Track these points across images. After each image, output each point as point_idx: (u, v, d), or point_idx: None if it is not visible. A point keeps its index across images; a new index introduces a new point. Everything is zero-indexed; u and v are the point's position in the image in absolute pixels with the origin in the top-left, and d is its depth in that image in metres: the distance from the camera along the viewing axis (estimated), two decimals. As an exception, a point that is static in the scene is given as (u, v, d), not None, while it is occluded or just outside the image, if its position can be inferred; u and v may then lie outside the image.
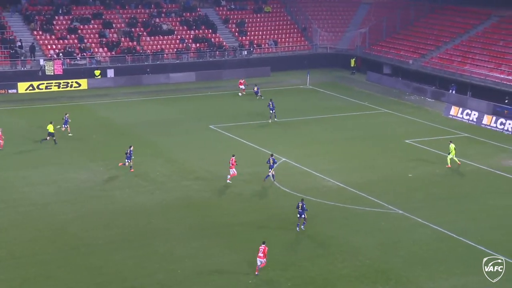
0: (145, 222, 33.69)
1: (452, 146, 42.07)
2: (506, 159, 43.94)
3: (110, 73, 67.72)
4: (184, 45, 72.33)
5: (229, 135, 49.15)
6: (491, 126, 52.11)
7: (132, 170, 40.04)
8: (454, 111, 55.68)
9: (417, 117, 55.54)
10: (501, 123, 51.57)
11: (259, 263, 27.98)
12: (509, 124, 50.56)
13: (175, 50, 71.68)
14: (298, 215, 32.47)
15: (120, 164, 40.30)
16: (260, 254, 28.03)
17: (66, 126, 48.09)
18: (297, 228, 32.45)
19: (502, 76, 58.54)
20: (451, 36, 68.70)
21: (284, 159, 43.64)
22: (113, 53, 69.01)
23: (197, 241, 31.35)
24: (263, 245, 28.12)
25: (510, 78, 57.85)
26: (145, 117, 54.79)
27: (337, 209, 35.46)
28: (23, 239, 31.50)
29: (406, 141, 48.31)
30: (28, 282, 27.53)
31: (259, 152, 45.15)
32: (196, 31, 74.72)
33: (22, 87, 63.58)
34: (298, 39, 78.16)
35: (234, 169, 38.48)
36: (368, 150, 45.70)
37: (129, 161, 39.98)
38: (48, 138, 45.65)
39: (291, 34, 78.35)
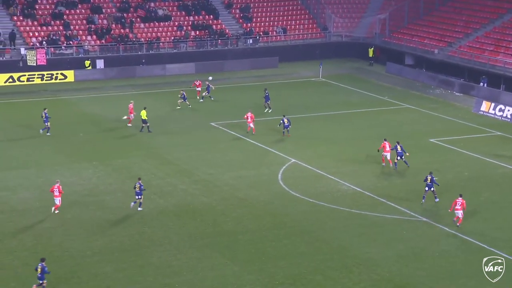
0: (139, 230, 33.76)
1: None
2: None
3: (100, 64, 67.90)
4: (183, 32, 72.48)
5: (233, 133, 49.21)
6: (527, 124, 52.03)
7: (140, 208, 36.17)
8: (486, 106, 55.58)
9: (443, 113, 55.48)
10: (538, 120, 51.48)
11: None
12: (547, 121, 50.44)
13: (172, 38, 71.85)
14: (427, 188, 36.37)
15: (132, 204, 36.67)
16: (458, 207, 33.16)
17: (47, 123, 48.00)
18: (423, 200, 36.46)
19: (539, 68, 58.44)
20: (482, 22, 68.53)
21: (293, 160, 43.69)
22: (103, 41, 69.22)
23: (197, 252, 31.42)
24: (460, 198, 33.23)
25: (548, 69, 57.75)
26: (139, 113, 54.76)
27: (352, 216, 35.47)
28: (1, 250, 31.58)
29: (431, 140, 48.27)
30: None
31: (267, 152, 45.18)
32: (196, 17, 74.87)
33: (1, 79, 63.85)
34: (310, 26, 78.19)
35: (252, 124, 45.35)
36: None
37: (139, 197, 35.95)
38: (144, 125, 48.63)
39: (302, 21, 78.40)
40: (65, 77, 65.57)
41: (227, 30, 74.38)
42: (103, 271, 29.66)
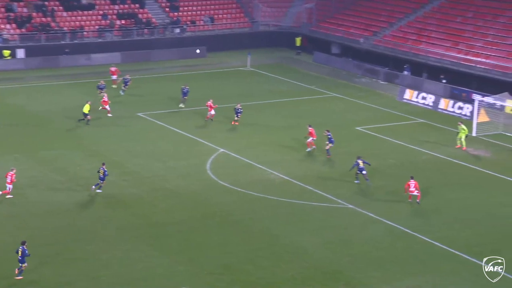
0: (65, 223, 33.12)
1: (461, 126, 44.11)
2: (465, 147, 45.25)
3: (20, 53, 65.99)
4: (107, 21, 71.19)
5: (161, 124, 48.79)
6: (448, 111, 53.59)
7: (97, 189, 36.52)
8: (409, 94, 56.98)
9: (368, 101, 56.54)
10: (459, 107, 53.10)
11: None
12: (468, 108, 52.10)
13: (97, 27, 70.48)
14: (358, 171, 37.98)
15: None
16: (412, 188, 34.52)
17: None
18: (357, 181, 38.24)
19: (459, 56, 60.21)
20: (405, 12, 70.11)
21: (222, 150, 43.69)
22: (24, 30, 67.26)
23: (126, 244, 31.08)
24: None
25: (468, 58, 59.55)
26: (63, 104, 53.70)
27: (282, 204, 35.79)
28: None
29: (357, 128, 49.14)
30: None
31: (196, 143, 45.02)
32: (121, 5, 73.66)
33: None
34: (237, 15, 78.15)
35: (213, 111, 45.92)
36: (316, 139, 46.17)
37: (102, 182, 36.13)
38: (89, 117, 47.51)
39: (229, 10, 78.27)
40: (-18, 67, 63.42)
41: (153, 19, 73.52)
42: (28, 266, 28.89)
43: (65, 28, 68.99)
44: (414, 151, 44.57)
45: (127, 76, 56.59)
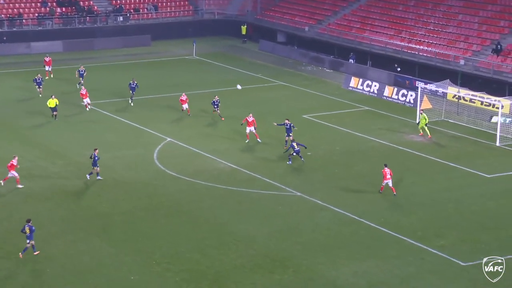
0: (5, 215, 32.40)
1: (422, 115, 44.68)
2: (408, 133, 46.09)
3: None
4: (47, 9, 69.68)
5: (105, 113, 48.12)
6: (393, 98, 54.41)
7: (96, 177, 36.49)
8: (354, 82, 57.62)
9: (314, 89, 56.95)
10: (403, 95, 53.97)
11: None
12: (411, 96, 53.01)
13: (36, 15, 68.94)
14: (294, 153, 38.78)
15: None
16: (389, 176, 34.98)
17: None
18: (289, 162, 39.00)
19: (402, 44, 61.16)
20: (349, 0, 70.74)
21: (169, 139, 43.40)
22: (-41, 17, 65.41)
23: (71, 235, 30.62)
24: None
25: (410, 46, 60.55)
26: (2, 93, 52.42)
27: (229, 193, 35.80)
28: None
29: (304, 116, 49.45)
30: None
31: (142, 132, 44.57)
32: (62, -8, 72.22)
33: None
34: (181, 3, 77.57)
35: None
36: (262, 128, 46.30)
37: (95, 167, 36.25)
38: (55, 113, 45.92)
39: (174, -2, 77.62)
40: None
41: (95, 7, 72.34)
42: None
43: (2, 15, 67.19)
44: (360, 138, 45.13)
45: (81, 68, 54.54)
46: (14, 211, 32.97)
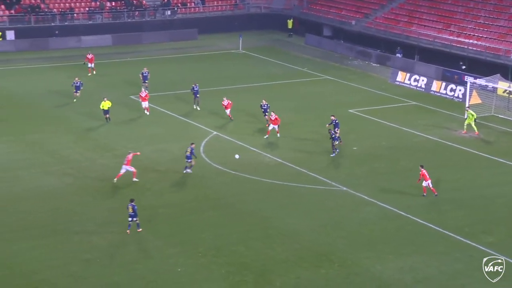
0: (56, 206, 32.98)
1: (469, 112, 43.67)
2: (456, 128, 45.35)
3: (10, 35, 65.48)
4: (98, 3, 70.62)
5: (152, 106, 48.54)
6: (441, 93, 53.59)
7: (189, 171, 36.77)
8: (401, 77, 56.92)
9: (361, 84, 56.46)
10: (451, 90, 53.10)
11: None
12: (460, 90, 52.12)
13: (86, 9, 69.93)
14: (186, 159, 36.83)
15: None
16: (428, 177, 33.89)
17: None
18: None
19: (451, 38, 60.13)
20: (396, -6, 69.83)
21: (215, 132, 43.56)
22: (13, 11, 66.61)
23: (117, 226, 30.96)
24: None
25: (460, 40, 59.51)
26: (53, 86, 53.37)
27: (275, 187, 35.76)
28: None
29: (350, 110, 49.08)
30: None
31: (188, 125, 44.84)
32: (111, -13, 73.09)
33: None
34: (229, -3, 77.67)
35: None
36: (308, 122, 46.18)
37: (189, 161, 36.46)
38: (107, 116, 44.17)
39: (220, -8, 77.75)
40: (-28, 49, 63.02)
41: (144, 1, 72.97)
42: (19, 248, 28.87)
43: (54, 10, 68.38)
44: (406, 133, 44.60)
45: (77, 80, 49.13)
46: (63, 202, 33.52)
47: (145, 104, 46.26)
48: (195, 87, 47.67)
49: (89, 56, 56.10)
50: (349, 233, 30.91)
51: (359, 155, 40.28)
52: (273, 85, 55.44)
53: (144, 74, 51.25)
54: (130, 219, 30.11)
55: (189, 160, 36.56)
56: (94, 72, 56.39)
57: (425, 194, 34.57)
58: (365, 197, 34.52)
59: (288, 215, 32.60)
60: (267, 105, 43.93)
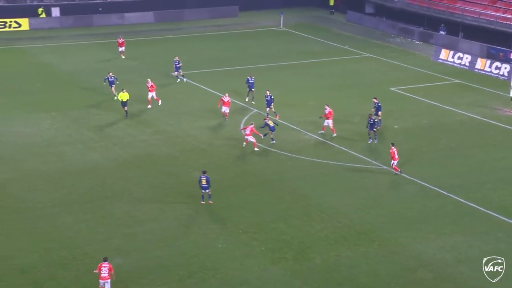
0: (99, 181, 33.46)
1: None
2: (501, 107, 44.53)
3: (56, 12, 66.25)
4: (140, -20, 70.86)
5: (193, 83, 48.73)
6: (485, 71, 52.61)
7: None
8: (444, 54, 55.98)
9: (403, 61, 55.74)
10: (496, 67, 52.08)
11: None
12: (505, 68, 51.09)
13: (130, -14, 70.31)
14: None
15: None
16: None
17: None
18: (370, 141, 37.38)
19: (497, 14, 58.82)
20: (441, -30, 68.49)
21: (255, 110, 43.55)
22: (58, -12, 67.45)
23: (159, 202, 31.32)
24: None
25: (506, 16, 58.16)
26: (96, 63, 53.95)
27: (314, 165, 35.68)
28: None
29: (392, 89, 48.55)
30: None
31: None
32: (154, -36, 73.17)
33: (-50, 25, 62.10)
34: (270, -27, 77.09)
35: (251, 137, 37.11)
36: (349, 100, 45.85)
37: (179, 71, 36.88)
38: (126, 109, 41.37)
39: (262, -32, 77.20)
40: (19, 25, 63.99)
41: (186, -22, 72.97)
42: (64, 222, 29.43)
43: (98, -13, 68.96)
44: (449, 111, 43.97)
45: (111, 74, 45.40)
46: (106, 177, 33.97)
47: (225, 109, 41.44)
48: (250, 79, 44.67)
49: (120, 40, 55.07)
50: (389, 212, 30.72)
51: (400, 133, 39.87)
52: (314, 62, 55.09)
53: (176, 64, 48.77)
54: (203, 190, 30.63)
55: (273, 132, 37.19)
56: (123, 57, 54.56)
57: (397, 172, 34.21)
58: (406, 176, 34.20)
59: (328, 193, 32.53)
60: (270, 96, 41.35)
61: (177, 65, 48.59)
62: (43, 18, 65.51)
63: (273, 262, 26.61)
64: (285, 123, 41.27)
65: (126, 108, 41.40)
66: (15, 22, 63.77)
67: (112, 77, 44.74)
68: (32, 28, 63.99)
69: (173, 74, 48.87)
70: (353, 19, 69.61)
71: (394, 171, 34.37)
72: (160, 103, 43.51)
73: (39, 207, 30.72)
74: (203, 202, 30.77)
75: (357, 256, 27.06)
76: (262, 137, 37.64)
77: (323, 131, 39.49)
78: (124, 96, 41.33)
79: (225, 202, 31.40)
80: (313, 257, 26.95)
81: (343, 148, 37.63)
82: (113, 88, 44.47)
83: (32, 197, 31.59)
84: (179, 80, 48.59)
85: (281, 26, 67.14)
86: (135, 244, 27.81)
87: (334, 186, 33.33)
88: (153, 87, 43.43)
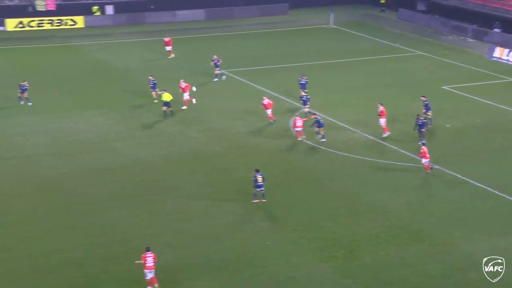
0: (150, 178, 33.76)
1: None
2: (556, 107, 43.39)
3: (110, 9, 67.25)
4: (191, -22, 71.30)
5: (242, 81, 48.80)
6: (541, 70, 51.34)
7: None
8: (499, 52, 54.82)
9: (456, 60, 54.78)
10: (552, 67, 50.78)
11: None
12: (562, 67, 49.75)
13: (181, -16, 70.83)
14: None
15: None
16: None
17: (24, 92, 43.17)
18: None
19: (554, 13, 57.35)
20: (495, -34, 67.07)
21: (305, 107, 43.30)
22: (113, -14, 68.49)
23: (207, 199, 31.42)
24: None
25: None
26: (147, 60, 54.48)
27: (364, 163, 35.34)
28: (14, 194, 31.75)
29: (444, 87, 47.75)
30: (21, 241, 27.75)
31: (279, 101, 44.75)
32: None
33: (10, 24, 63.41)
34: (320, -29, 76.70)
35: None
36: (400, 98, 45.24)
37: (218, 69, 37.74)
38: (165, 108, 41.32)
39: (312, -34, 76.85)
40: (75, 23, 65.21)
41: (236, -24, 73.15)
42: (116, 216, 29.81)
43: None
44: (503, 110, 43.02)
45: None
46: (157, 174, 34.24)
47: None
48: (301, 79, 44.24)
49: (166, 39, 54.89)
50: (440, 212, 30.20)
51: (452, 133, 39.19)
52: (363, 60, 54.56)
53: (215, 61, 48.68)
54: (258, 189, 30.47)
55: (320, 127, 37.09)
56: (172, 56, 54.44)
57: (428, 171, 33.66)
58: (458, 176, 33.58)
59: (378, 191, 32.16)
60: (306, 96, 40.78)
61: (217, 63, 48.52)
62: (97, 16, 66.59)
63: (322, 260, 26.43)
64: (333, 120, 40.97)
65: (170, 108, 41.28)
66: (71, 20, 64.99)
67: (152, 81, 44.19)
68: (87, 26, 65.12)
69: (216, 72, 48.72)
70: (404, 17, 68.71)
71: (425, 170, 33.72)
72: (194, 102, 42.98)
73: (91, 201, 31.16)
74: (257, 201, 30.60)
75: (407, 256, 26.67)
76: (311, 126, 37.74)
77: (387, 133, 38.47)
78: (166, 96, 41.26)
79: (273, 200, 31.28)
80: (362, 256, 26.69)
81: (393, 147, 37.16)
82: (154, 92, 43.87)
83: (84, 192, 32.07)
84: (217, 79, 48.42)
85: (331, 23, 66.72)
86: (184, 240, 27.96)
87: (384, 185, 32.93)
88: (187, 87, 43.00)
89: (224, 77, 48.85)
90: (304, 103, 41.20)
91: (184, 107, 42.67)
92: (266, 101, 40.47)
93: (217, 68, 48.58)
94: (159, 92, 42.60)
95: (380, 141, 38.03)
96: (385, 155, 36.20)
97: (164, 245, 27.32)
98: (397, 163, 35.28)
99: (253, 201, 30.69)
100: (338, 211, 30.29)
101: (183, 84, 43.19)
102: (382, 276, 25.33)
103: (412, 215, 29.93)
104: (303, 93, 41.59)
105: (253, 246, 27.50)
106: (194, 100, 43.07)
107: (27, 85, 43.25)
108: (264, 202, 30.62)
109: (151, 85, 43.97)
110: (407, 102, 43.75)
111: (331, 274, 25.61)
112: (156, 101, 43.48)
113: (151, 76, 44.75)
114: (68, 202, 31.05)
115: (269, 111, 40.32)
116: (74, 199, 31.42)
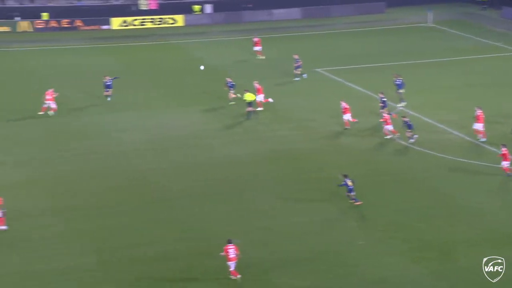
0: (239, 174, 33.92)
1: None
2: None
3: (208, 8, 68.53)
4: (289, -23, 71.58)
5: (337, 80, 48.58)
6: None
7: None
8: None
9: None
10: None
11: None
12: None
13: (278, -17, 71.24)
14: None
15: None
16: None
17: (108, 90, 44.00)
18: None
19: None
20: None
21: (400, 107, 42.68)
22: (213, -15, 69.69)
23: (296, 197, 31.35)
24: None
25: None
26: (243, 58, 55.04)
27: (459, 165, 34.44)
28: (108, 188, 32.66)
29: (547, 88, 45.86)
30: (109, 233, 28.48)
31: (372, 99, 44.29)
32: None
33: (116, 22, 65.81)
34: (419, -32, 75.23)
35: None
36: (500, 99, 43.79)
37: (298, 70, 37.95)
38: (250, 109, 41.01)
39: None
40: (175, 21, 66.88)
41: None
42: (203, 212, 30.14)
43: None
44: None
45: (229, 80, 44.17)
46: (247, 171, 34.23)
47: (347, 116, 39.68)
48: (397, 80, 43.22)
49: (255, 40, 54.59)
50: (539, 217, 29.08)
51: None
52: (462, 60, 53.12)
53: (296, 62, 48.20)
54: (352, 193, 30.01)
55: (411, 129, 36.51)
56: (262, 56, 54.12)
57: (508, 173, 32.11)
58: (561, 180, 32.22)
59: (472, 194, 31.29)
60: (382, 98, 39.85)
61: (297, 64, 48.09)
62: (197, 14, 68.04)
63: (414, 261, 25.97)
64: (429, 120, 40.14)
65: (251, 109, 41.05)
66: (171, 18, 66.74)
67: (230, 82, 43.73)
68: (186, 24, 66.70)
69: (296, 72, 48.31)
70: (508, 15, 66.28)
71: (505, 172, 32.42)
72: (271, 100, 42.40)
73: (178, 196, 31.58)
74: (360, 203, 30.03)
75: (506, 259, 25.75)
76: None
77: (483, 138, 37.14)
78: (249, 96, 41.02)
79: (364, 200, 30.83)
80: (458, 258, 26.03)
81: (491, 149, 36.02)
82: (231, 91, 43.33)
83: (176, 187, 32.61)
84: (298, 79, 48.08)
85: (429, 22, 65.32)
86: (271, 238, 27.91)
87: (479, 187, 31.99)
88: (259, 89, 42.49)
89: (305, 75, 48.46)
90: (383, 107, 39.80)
91: (260, 109, 42.27)
92: (343, 104, 39.19)
93: (299, 69, 48.17)
94: (241, 94, 41.84)
95: (476, 142, 36.97)
96: (481, 157, 35.14)
97: (251, 243, 27.20)
98: (493, 165, 34.19)
99: (349, 201, 30.19)
100: (430, 212, 29.67)
101: (256, 86, 42.71)
102: (480, 281, 24.40)
103: (508, 218, 28.92)
104: (380, 95, 40.29)
105: (345, 245, 27.29)
106: (270, 99, 42.63)
107: (109, 80, 43.69)
108: (359, 204, 30.04)
109: (229, 86, 43.60)
110: (509, 103, 42.28)
111: (425, 275, 25.07)
112: (231, 103, 43.16)
113: (228, 78, 44.30)
114: (160, 197, 31.65)
115: (347, 116, 39.03)
116: (166, 194, 31.96)
